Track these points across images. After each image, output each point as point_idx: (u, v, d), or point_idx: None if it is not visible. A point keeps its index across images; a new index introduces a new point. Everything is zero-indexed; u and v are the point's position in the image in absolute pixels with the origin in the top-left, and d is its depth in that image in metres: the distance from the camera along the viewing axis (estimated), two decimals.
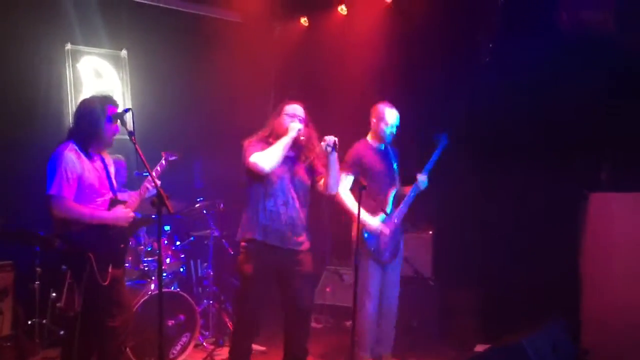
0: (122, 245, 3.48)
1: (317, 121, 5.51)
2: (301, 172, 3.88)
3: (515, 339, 3.05)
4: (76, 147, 3.34)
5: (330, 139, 3.63)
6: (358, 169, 4.33)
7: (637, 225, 4.09)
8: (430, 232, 5.33)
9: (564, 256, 4.39)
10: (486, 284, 4.95)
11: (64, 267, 4.26)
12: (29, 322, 4.26)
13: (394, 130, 4.39)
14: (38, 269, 4.30)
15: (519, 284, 4.68)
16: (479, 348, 4.55)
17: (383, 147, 4.46)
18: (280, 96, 6.77)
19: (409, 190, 4.37)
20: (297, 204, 3.81)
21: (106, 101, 3.44)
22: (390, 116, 4.36)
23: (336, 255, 6.16)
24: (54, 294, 4.42)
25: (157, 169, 3.70)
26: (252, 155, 3.70)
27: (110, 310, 3.35)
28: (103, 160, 3.50)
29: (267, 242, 3.72)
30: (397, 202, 4.38)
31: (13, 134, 4.91)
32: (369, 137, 4.47)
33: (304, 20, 6.58)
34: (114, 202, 3.45)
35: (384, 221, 4.29)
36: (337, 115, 5.79)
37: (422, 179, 4.33)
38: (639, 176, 4.07)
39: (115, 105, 3.45)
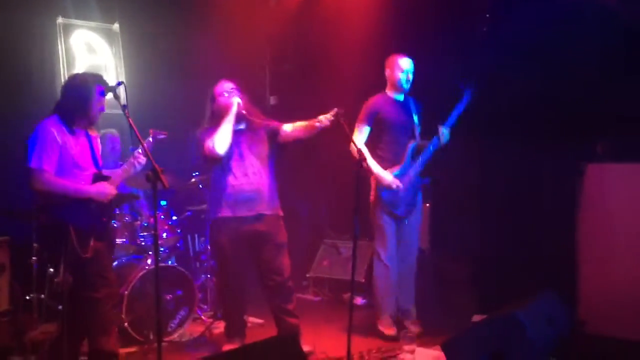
0: (104, 219, 3.44)
1: (314, 92, 5.50)
2: (257, 140, 3.98)
3: (510, 310, 3.07)
4: (60, 122, 3.33)
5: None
6: (374, 120, 4.32)
7: (634, 196, 4.09)
8: (427, 205, 5.33)
9: (561, 227, 4.39)
10: (483, 255, 4.96)
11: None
12: (27, 298, 4.27)
13: (410, 76, 4.37)
14: (35, 245, 4.30)
15: (516, 255, 4.69)
16: (477, 318, 4.58)
17: (402, 98, 4.43)
18: (275, 70, 6.74)
19: (427, 144, 4.33)
20: (258, 172, 3.91)
21: (96, 79, 3.43)
22: (403, 62, 4.37)
23: (333, 228, 6.18)
24: (51, 270, 4.43)
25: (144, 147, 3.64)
26: (206, 142, 3.83)
27: (94, 282, 3.33)
28: (88, 136, 3.48)
29: (235, 215, 3.84)
30: (416, 154, 4.35)
31: (5, 110, 4.86)
32: (387, 90, 4.45)
33: None
34: (97, 177, 3.43)
35: (399, 175, 4.27)
36: (333, 86, 5.76)
37: (444, 132, 4.27)
38: (635, 147, 4.05)
39: (105, 85, 3.42)
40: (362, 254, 5.60)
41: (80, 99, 3.36)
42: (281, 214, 4.03)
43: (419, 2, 5.29)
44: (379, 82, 4.85)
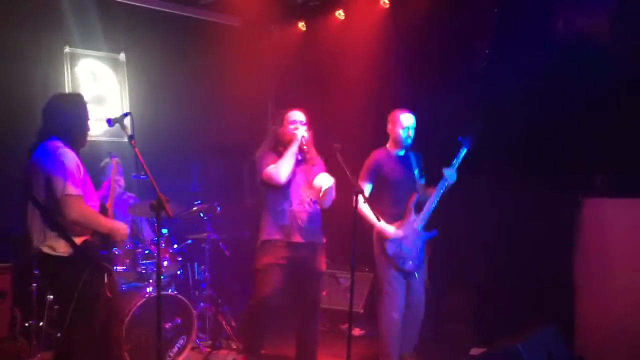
0: (113, 254, 3.45)
1: (315, 126, 5.55)
2: (312, 172, 4.13)
3: (511, 344, 3.07)
4: (66, 145, 3.20)
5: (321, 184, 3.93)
6: (376, 177, 4.37)
7: (631, 231, 4.11)
8: None
9: (558, 261, 4.41)
10: (481, 288, 4.97)
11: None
12: (26, 325, 4.26)
13: (411, 132, 4.40)
14: (36, 272, 4.31)
15: (514, 288, 4.70)
16: (474, 352, 4.58)
17: (403, 153, 4.46)
18: (278, 100, 6.83)
19: (433, 192, 4.33)
20: (313, 202, 4.10)
21: (84, 99, 3.40)
22: (405, 119, 4.38)
23: (332, 259, 6.18)
24: (51, 297, 4.43)
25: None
26: (267, 169, 4.00)
27: (112, 319, 3.33)
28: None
29: (288, 240, 4.00)
30: (419, 208, 4.36)
31: (7, 136, 4.91)
32: (388, 145, 4.49)
33: (301, 25, 6.60)
34: (103, 208, 3.39)
35: (404, 230, 4.27)
36: (335, 120, 5.83)
37: (449, 172, 4.27)
38: (633, 182, 4.09)
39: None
40: (360, 285, 5.61)
41: (84, 120, 3.32)
42: (324, 241, 4.21)
43: (421, 36, 5.39)
44: (381, 112, 4.92)
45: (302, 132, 4.08)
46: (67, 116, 3.26)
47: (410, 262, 4.27)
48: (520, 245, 4.69)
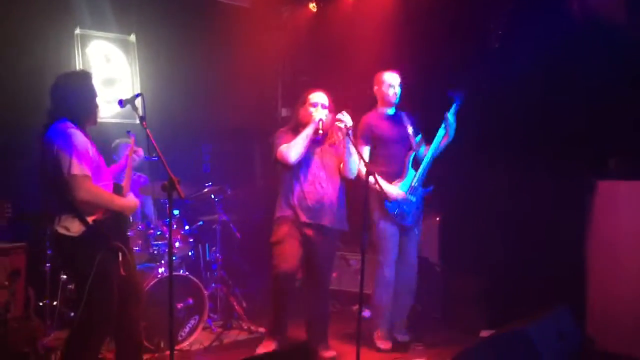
0: (127, 233, 3.42)
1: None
2: (329, 153, 4.15)
3: (520, 326, 3.08)
4: (74, 126, 3.17)
5: (342, 124, 3.83)
6: (370, 139, 4.40)
7: None
8: (438, 219, 5.35)
9: (571, 244, 4.39)
10: (492, 270, 4.96)
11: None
12: (40, 304, 4.32)
13: (398, 89, 4.46)
14: (49, 252, 4.35)
15: (525, 271, 4.69)
16: (484, 333, 4.59)
17: (393, 112, 4.52)
18: (288, 82, 6.80)
19: (429, 148, 4.39)
20: (326, 184, 4.08)
21: (91, 76, 3.37)
22: (389, 77, 4.45)
23: (342, 240, 6.19)
24: (64, 276, 4.48)
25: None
26: (280, 147, 4.03)
27: (130, 299, 3.35)
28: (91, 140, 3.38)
29: (298, 219, 4.03)
30: (416, 165, 4.42)
31: (21, 118, 4.93)
32: (378, 107, 4.54)
33: (312, 6, 6.55)
34: (117, 187, 3.38)
35: (403, 187, 4.34)
36: (346, 99, 5.80)
37: (447, 117, 4.31)
38: None
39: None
40: (370, 267, 5.60)
41: (92, 98, 3.29)
42: (338, 227, 4.16)
43: (433, 15, 5.33)
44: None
45: (320, 115, 4.05)
46: (73, 95, 3.22)
47: (410, 218, 4.37)
48: (532, 227, 4.67)
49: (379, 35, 5.75)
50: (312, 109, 4.10)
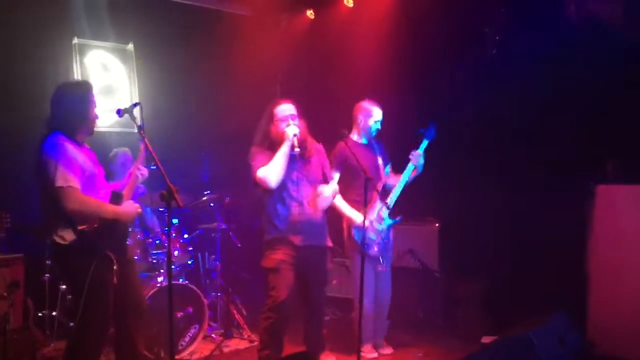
0: (125, 241, 3.39)
1: (323, 113, 5.56)
2: (311, 168, 3.92)
3: (521, 331, 3.07)
4: (66, 137, 3.19)
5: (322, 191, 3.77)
6: (343, 167, 4.46)
7: None
8: (437, 225, 5.34)
9: (571, 249, 4.39)
10: (492, 276, 4.96)
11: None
12: (40, 314, 4.31)
13: (379, 126, 4.56)
14: (48, 262, 4.34)
15: (525, 276, 4.69)
16: (485, 339, 4.58)
17: (367, 142, 4.60)
18: (286, 89, 6.80)
19: (398, 180, 4.46)
20: (312, 201, 3.84)
21: (88, 86, 3.36)
22: (377, 112, 4.54)
23: (342, 247, 6.18)
24: (63, 286, 4.47)
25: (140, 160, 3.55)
26: (258, 171, 3.75)
27: (129, 309, 3.36)
28: (89, 150, 3.41)
29: (287, 239, 3.79)
30: (384, 195, 4.45)
31: (19, 129, 4.93)
32: (353, 135, 4.59)
33: (310, 13, 6.58)
34: (115, 195, 3.36)
35: (373, 216, 4.38)
36: (344, 103, 5.81)
37: (416, 154, 4.38)
38: None
39: (92, 90, 3.37)
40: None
41: (85, 108, 3.28)
42: (330, 244, 4.01)
43: (430, 22, 5.35)
44: (391, 99, 4.92)
45: (293, 130, 3.77)
46: (67, 106, 3.23)
47: (376, 248, 4.38)
48: (532, 232, 4.67)
49: (375, 42, 5.77)
50: (282, 125, 3.82)
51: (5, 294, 3.86)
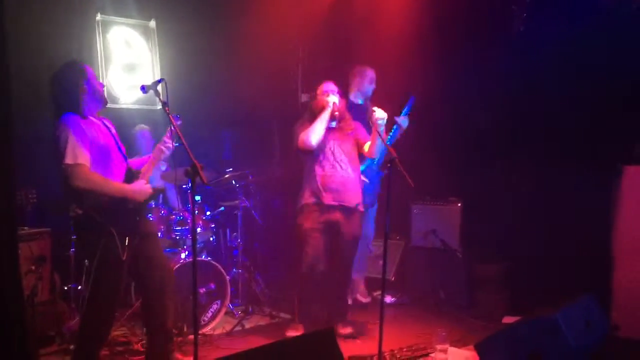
0: (137, 218, 3.40)
1: (346, 90, 5.51)
2: (346, 138, 4.35)
3: (548, 312, 3.04)
4: (75, 115, 3.25)
5: (381, 115, 4.04)
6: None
7: None
8: (459, 204, 5.31)
9: (596, 230, 4.33)
10: (514, 256, 4.94)
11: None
12: (65, 288, 4.38)
13: (374, 86, 4.99)
14: (73, 237, 4.40)
15: (548, 257, 4.66)
16: (507, 320, 4.57)
17: (362, 102, 4.89)
18: (308, 69, 6.76)
19: (387, 137, 4.70)
20: (346, 167, 4.27)
21: (75, 62, 3.44)
22: (373, 75, 4.98)
23: None
24: (87, 262, 4.52)
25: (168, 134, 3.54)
26: (300, 135, 4.24)
27: (150, 285, 3.43)
28: (104, 124, 3.44)
29: (322, 202, 4.20)
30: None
31: (43, 105, 4.94)
32: (351, 96, 4.97)
33: None
34: (130, 173, 3.40)
35: (364, 169, 4.69)
36: None
37: (401, 118, 4.77)
38: None
39: (83, 61, 3.43)
40: (392, 253, 5.61)
41: (77, 82, 3.30)
42: (362, 209, 4.39)
43: (456, 1, 5.26)
44: (413, 79, 4.87)
45: (332, 99, 4.30)
46: (64, 85, 3.30)
47: (368, 198, 4.75)
48: (557, 213, 4.63)
49: (398, 20, 5.68)
50: (323, 97, 4.33)
51: (33, 268, 3.92)
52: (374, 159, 4.55)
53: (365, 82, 4.97)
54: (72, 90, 3.29)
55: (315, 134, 4.19)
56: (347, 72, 5.06)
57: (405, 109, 4.85)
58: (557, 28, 4.60)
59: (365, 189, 4.68)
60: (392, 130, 4.81)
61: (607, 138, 4.39)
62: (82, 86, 3.32)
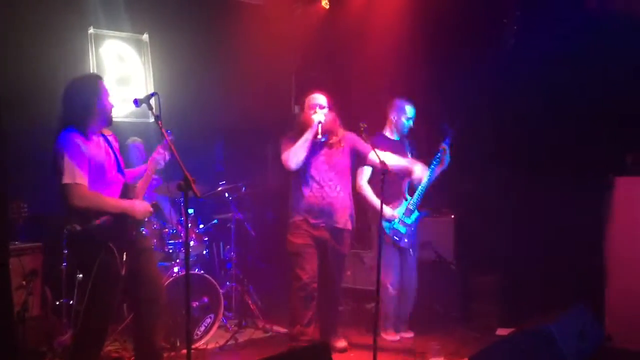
0: (134, 233, 3.39)
1: (339, 102, 5.53)
2: (337, 154, 4.19)
3: (541, 324, 3.04)
4: (77, 132, 3.24)
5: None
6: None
7: None
8: (452, 216, 5.32)
9: (588, 241, 4.35)
10: (508, 268, 4.94)
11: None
12: (57, 303, 4.34)
13: (412, 123, 4.67)
14: (65, 251, 4.36)
15: (542, 268, 4.67)
16: (501, 332, 4.56)
17: (399, 139, 4.70)
18: (301, 80, 6.78)
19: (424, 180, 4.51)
20: (335, 185, 4.16)
21: (93, 77, 3.41)
22: (410, 110, 4.65)
23: (357, 239, 6.17)
24: (79, 276, 4.48)
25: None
26: (283, 154, 4.11)
27: (142, 300, 3.40)
28: (105, 138, 3.43)
29: (309, 220, 4.11)
30: (411, 190, 4.61)
31: (35, 118, 4.93)
32: (386, 131, 4.73)
33: (325, 3, 6.51)
34: (126, 188, 3.39)
35: (400, 211, 4.54)
36: (359, 94, 5.78)
37: (443, 147, 4.46)
38: None
39: (102, 79, 3.40)
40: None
41: (89, 100, 3.28)
42: (350, 228, 4.28)
43: (446, 12, 5.29)
44: (406, 90, 4.89)
45: (318, 117, 4.08)
46: (75, 101, 3.27)
47: (406, 240, 4.57)
48: (550, 225, 4.65)
49: (391, 33, 5.72)
50: (310, 112, 4.14)
51: (24, 283, 3.89)
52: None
53: (402, 117, 4.65)
54: (82, 108, 3.28)
55: (295, 156, 4.06)
56: (385, 103, 4.79)
57: (447, 138, 4.50)
58: (548, 40, 4.64)
59: (402, 231, 4.53)
60: (430, 171, 4.52)
61: (599, 150, 4.41)
62: (92, 107, 3.30)
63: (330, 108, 4.20)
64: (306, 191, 4.12)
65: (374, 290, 3.75)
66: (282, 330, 4.80)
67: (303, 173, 4.13)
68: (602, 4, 4.50)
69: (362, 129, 3.85)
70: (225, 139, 6.12)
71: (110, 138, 3.50)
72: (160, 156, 3.48)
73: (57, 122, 3.31)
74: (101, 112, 3.34)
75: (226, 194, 5.16)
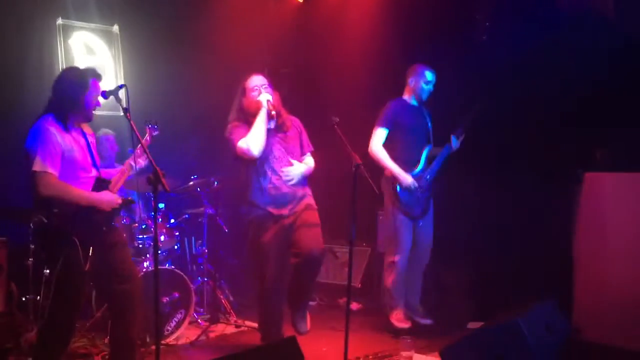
0: (104, 229, 3.34)
1: (312, 98, 5.53)
2: (289, 141, 3.96)
3: (509, 318, 3.08)
4: (56, 121, 3.21)
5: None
6: (392, 123, 4.53)
7: (631, 205, 4.09)
8: None
9: (557, 236, 4.40)
10: (478, 264, 4.98)
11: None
12: (23, 299, 4.25)
13: (432, 88, 4.59)
14: (32, 246, 4.28)
15: (511, 264, 4.72)
16: (472, 326, 4.61)
17: (417, 105, 4.64)
18: (274, 73, 6.73)
19: (440, 151, 4.61)
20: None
21: (89, 73, 3.36)
22: (430, 75, 4.57)
23: (330, 233, 6.17)
24: (47, 271, 4.40)
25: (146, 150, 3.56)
26: (239, 143, 3.79)
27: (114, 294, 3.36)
28: (84, 134, 3.39)
29: (269, 212, 3.85)
30: (429, 160, 4.61)
31: (2, 110, 4.83)
32: (405, 96, 4.65)
33: None
34: (99, 182, 3.35)
35: (416, 176, 4.50)
36: (332, 89, 5.77)
37: (454, 140, 4.56)
38: (633, 156, 4.07)
39: (98, 78, 3.37)
40: (358, 260, 5.61)
41: (77, 93, 3.26)
42: (315, 205, 4.02)
43: (420, 8, 5.31)
44: (379, 86, 4.88)
45: (266, 96, 3.84)
46: (61, 91, 3.26)
47: (419, 209, 4.54)
48: (519, 220, 4.69)
49: (364, 28, 5.72)
50: (254, 94, 3.88)
51: None
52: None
53: (422, 82, 4.55)
54: (67, 99, 3.26)
55: (256, 140, 3.75)
56: (405, 70, 4.71)
57: (459, 130, 4.61)
58: (519, 36, 4.68)
59: (416, 198, 4.51)
60: (442, 152, 4.62)
61: (568, 145, 4.47)
62: (77, 100, 3.28)
63: (272, 87, 3.96)
64: (264, 182, 3.84)
65: (349, 285, 3.72)
66: (254, 325, 4.77)
67: (260, 163, 3.84)
68: (572, 1, 4.55)
69: (334, 123, 3.76)
70: (197, 133, 6.04)
71: (90, 138, 3.47)
72: (136, 162, 3.47)
73: (44, 107, 3.29)
74: (83, 108, 3.31)
75: (198, 189, 5.11)
